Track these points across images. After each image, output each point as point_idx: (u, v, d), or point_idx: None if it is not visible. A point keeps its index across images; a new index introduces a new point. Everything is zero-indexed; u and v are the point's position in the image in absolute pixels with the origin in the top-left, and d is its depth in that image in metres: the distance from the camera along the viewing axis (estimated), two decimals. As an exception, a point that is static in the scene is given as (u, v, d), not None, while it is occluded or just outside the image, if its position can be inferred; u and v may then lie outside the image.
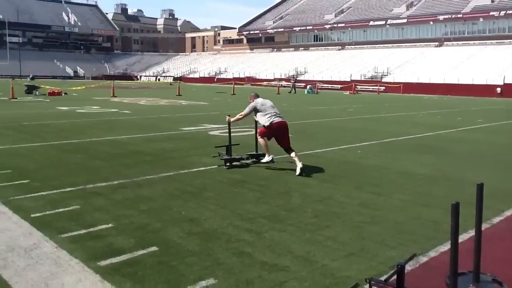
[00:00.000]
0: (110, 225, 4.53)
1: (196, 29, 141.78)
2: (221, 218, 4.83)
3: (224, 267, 3.61)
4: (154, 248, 3.95)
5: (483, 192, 3.03)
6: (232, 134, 8.08)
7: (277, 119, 7.44)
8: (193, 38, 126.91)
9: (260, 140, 7.50)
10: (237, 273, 3.51)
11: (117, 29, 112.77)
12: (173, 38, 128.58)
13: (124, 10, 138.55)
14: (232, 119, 7.80)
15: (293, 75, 59.20)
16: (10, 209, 4.97)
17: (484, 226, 4.70)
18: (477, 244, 3.14)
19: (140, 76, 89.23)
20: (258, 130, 7.75)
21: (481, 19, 61.63)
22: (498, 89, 45.86)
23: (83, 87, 40.82)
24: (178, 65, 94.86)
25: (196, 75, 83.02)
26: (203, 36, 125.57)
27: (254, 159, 7.97)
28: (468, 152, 9.79)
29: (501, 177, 7.29)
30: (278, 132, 7.41)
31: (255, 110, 7.62)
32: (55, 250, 3.86)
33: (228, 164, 7.51)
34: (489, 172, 7.64)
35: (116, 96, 28.67)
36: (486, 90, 45.99)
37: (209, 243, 4.12)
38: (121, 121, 14.76)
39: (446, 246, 4.11)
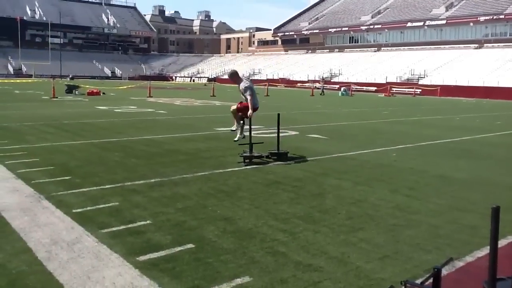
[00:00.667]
0: (148, 221, 4.66)
1: (231, 31, 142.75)
2: (255, 218, 4.90)
3: (259, 266, 3.66)
4: (190, 245, 4.04)
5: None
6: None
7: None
8: (228, 40, 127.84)
9: (238, 114, 8.98)
10: (272, 272, 3.56)
11: (154, 30, 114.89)
12: (208, 39, 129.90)
13: (161, 11, 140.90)
14: (253, 113, 8.59)
15: (323, 77, 59.15)
16: (53, 204, 5.18)
17: (524, 232, 4.60)
18: (516, 250, 3.09)
19: (175, 77, 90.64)
20: (240, 105, 8.86)
21: (524, 20, 59.71)
22: (541, 93, 44.27)
23: (124, 87, 41.74)
24: (212, 66, 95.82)
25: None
26: (238, 38, 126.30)
27: (275, 157, 8.23)
28: (506, 157, 9.54)
29: (543, 183, 7.07)
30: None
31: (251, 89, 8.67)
32: (96, 245, 4.01)
33: (247, 161, 7.79)
34: (530, 178, 7.43)
35: (152, 96, 29.21)
36: (528, 93, 44.49)
37: (244, 241, 4.18)
38: (157, 120, 15.06)
39: (483, 252, 4.05)
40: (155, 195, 5.70)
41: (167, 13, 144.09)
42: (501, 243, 4.24)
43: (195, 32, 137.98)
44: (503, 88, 47.08)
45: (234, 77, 8.97)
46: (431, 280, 3.16)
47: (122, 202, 5.34)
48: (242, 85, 8.77)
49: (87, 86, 32.80)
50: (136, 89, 40.66)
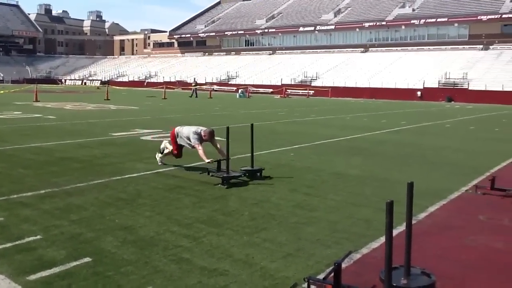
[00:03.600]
0: (38, 236, 4.30)
1: (125, 32, 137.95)
2: (157, 225, 4.74)
3: (162, 275, 3.54)
4: (87, 259, 3.79)
5: (413, 190, 3.20)
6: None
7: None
8: (122, 41, 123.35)
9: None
10: (176, 280, 3.46)
11: (40, 30, 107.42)
12: (101, 41, 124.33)
13: (48, 10, 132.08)
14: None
15: (194, 78, 52.63)
16: None
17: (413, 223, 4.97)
18: (407, 239, 3.30)
19: (65, 80, 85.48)
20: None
21: (403, 27, 65.11)
22: (419, 93, 48.59)
23: (7, 91, 38.46)
24: (106, 69, 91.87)
25: (125, 79, 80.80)
26: (133, 39, 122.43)
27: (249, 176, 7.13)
28: (394, 153, 10.29)
29: (424, 175, 7.71)
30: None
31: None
32: (-23, 266, 3.60)
33: (225, 182, 6.55)
34: (413, 171, 8.07)
35: (39, 101, 27.28)
36: (407, 93, 48.58)
37: (146, 251, 4.02)
38: (46, 127, 14.06)
39: (377, 243, 4.30)
40: (46, 207, 5.28)
41: (54, 13, 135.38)
42: (393, 233, 4.53)
43: (86, 33, 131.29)
44: (386, 88, 50.91)
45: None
46: (332, 275, 3.29)
47: (8, 217, 4.87)
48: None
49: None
50: (21, 93, 37.71)
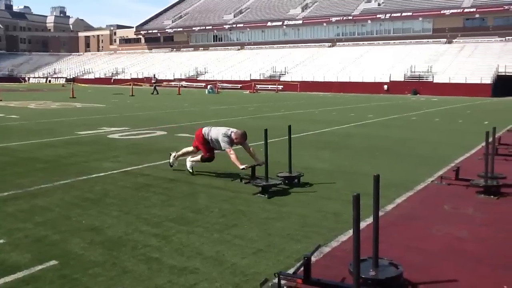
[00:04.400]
0: (1, 240, 4.17)
1: (90, 28, 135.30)
2: (125, 225, 4.67)
3: (131, 275, 3.48)
4: (53, 262, 3.69)
5: (379, 182, 3.24)
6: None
7: None
8: (87, 37, 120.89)
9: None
10: (146, 280, 3.41)
11: (1, 27, 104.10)
12: (65, 37, 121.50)
13: (8, 6, 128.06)
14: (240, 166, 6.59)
15: (154, 74, 50.25)
16: None
17: (379, 214, 5.05)
18: (375, 232, 3.35)
19: (29, 78, 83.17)
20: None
21: (369, 21, 66.08)
22: (385, 86, 49.46)
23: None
24: (71, 66, 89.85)
25: (91, 76, 79.28)
26: (98, 35, 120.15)
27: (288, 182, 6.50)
28: (362, 146, 10.43)
29: (391, 167, 7.85)
30: None
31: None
32: None
33: (265, 192, 5.86)
34: (381, 164, 8.20)
35: (1, 100, 26.51)
36: (374, 87, 49.38)
37: (114, 251, 3.95)
38: (10, 126, 13.65)
39: (346, 236, 4.35)
40: (10, 210, 5.12)
41: (15, 8, 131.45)
42: (361, 226, 4.59)
43: (49, 29, 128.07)
44: (354, 82, 51.61)
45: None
46: (302, 269, 3.31)
47: (-32, 221, 4.70)
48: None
49: None
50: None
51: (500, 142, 9.91)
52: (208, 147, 6.97)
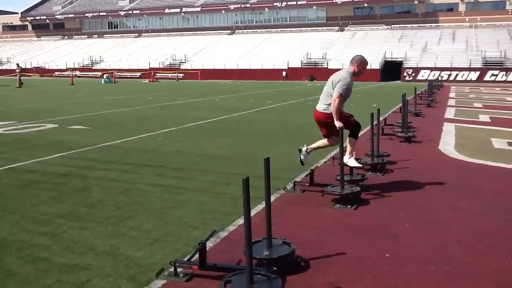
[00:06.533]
0: None
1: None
2: (10, 225, 4.35)
3: (17, 278, 3.26)
4: None
5: (270, 165, 3.34)
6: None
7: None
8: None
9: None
10: (33, 281, 3.21)
11: None
12: None
13: None
14: (336, 122, 5.41)
15: (17, 63, 41.74)
16: None
17: (275, 196, 5.22)
18: (267, 213, 3.45)
19: None
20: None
21: (266, 9, 67.26)
22: (284, 73, 50.90)
23: None
24: None
25: (-29, 67, 72.15)
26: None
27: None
28: (260, 132, 10.66)
29: (287, 151, 8.11)
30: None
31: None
32: None
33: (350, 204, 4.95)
34: (279, 148, 8.45)
35: None
36: (273, 74, 50.61)
37: (-3, 254, 3.67)
38: None
39: (243, 219, 4.43)
40: None
41: None
42: (258, 208, 4.72)
43: None
44: (253, 70, 52.46)
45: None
46: (197, 255, 3.32)
47: None
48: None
49: None
50: None
51: (386, 123, 10.69)
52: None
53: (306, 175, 6.04)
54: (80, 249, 3.77)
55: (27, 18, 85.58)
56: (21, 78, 35.12)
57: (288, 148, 8.44)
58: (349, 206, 4.89)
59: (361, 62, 5.63)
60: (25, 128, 11.04)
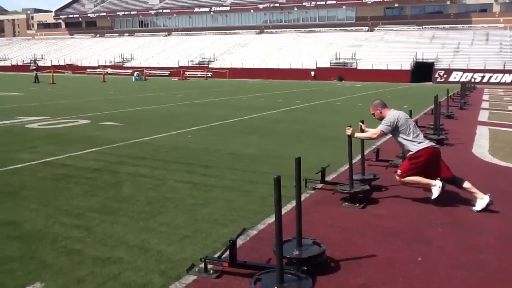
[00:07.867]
0: None
1: (4, 11, 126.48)
2: (44, 217, 4.46)
3: (51, 269, 3.34)
4: (-37, 259, 3.46)
5: (301, 165, 3.32)
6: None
7: (429, 143, 5.25)
8: (0, 22, 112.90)
9: (410, 179, 5.04)
10: (67, 273, 3.29)
11: None
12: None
13: None
14: (356, 135, 5.44)
15: (34, 60, 39.91)
16: None
17: (304, 196, 5.19)
18: (298, 213, 3.44)
19: None
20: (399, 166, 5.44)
21: (295, 9, 67.03)
22: (312, 73, 50.62)
23: None
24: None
25: (7, 63, 74.21)
26: (13, 20, 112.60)
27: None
28: (289, 131, 10.63)
29: (316, 150, 8.08)
30: (432, 163, 5.11)
31: (396, 129, 5.35)
32: None
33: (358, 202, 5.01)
34: (306, 147, 8.41)
35: None
36: (302, 73, 50.39)
37: (32, 245, 3.77)
38: None
39: (272, 218, 4.41)
40: None
41: None
42: (287, 208, 4.71)
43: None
44: (282, 69, 52.37)
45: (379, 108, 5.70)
46: (228, 252, 3.34)
47: None
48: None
49: None
50: None
51: (417, 125, 10.50)
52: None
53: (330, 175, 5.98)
54: (112, 243, 3.84)
55: (61, 16, 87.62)
56: (38, 75, 34.76)
57: (316, 148, 8.41)
58: (356, 205, 4.92)
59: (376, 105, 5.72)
60: (58, 123, 11.30)
